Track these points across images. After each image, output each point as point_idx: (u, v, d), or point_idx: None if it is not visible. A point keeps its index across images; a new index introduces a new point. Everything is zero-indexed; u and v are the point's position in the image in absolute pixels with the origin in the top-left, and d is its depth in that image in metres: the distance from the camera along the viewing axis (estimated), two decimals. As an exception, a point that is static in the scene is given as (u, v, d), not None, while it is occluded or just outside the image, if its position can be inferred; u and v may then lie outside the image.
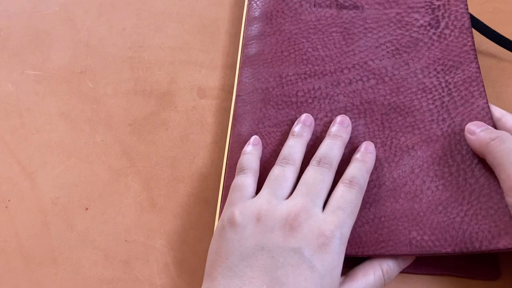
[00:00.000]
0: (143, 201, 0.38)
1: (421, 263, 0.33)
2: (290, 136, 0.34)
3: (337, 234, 0.28)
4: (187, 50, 0.45)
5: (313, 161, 0.32)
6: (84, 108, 0.42)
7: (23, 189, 0.39)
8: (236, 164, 0.35)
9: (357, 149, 0.34)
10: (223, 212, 0.31)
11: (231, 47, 0.44)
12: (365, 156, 0.33)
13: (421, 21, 0.38)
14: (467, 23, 0.37)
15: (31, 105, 0.42)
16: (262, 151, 0.35)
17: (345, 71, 0.37)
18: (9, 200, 0.38)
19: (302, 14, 0.40)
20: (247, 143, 0.35)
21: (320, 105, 0.36)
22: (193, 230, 0.36)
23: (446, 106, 0.34)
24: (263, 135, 0.36)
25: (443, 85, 0.35)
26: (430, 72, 0.36)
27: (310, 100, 0.36)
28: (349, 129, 0.34)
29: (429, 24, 0.38)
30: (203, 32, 0.45)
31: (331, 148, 0.33)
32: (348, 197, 0.30)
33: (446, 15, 0.38)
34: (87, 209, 0.38)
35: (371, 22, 0.38)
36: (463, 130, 0.33)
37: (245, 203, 0.31)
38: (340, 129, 0.34)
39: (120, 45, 0.45)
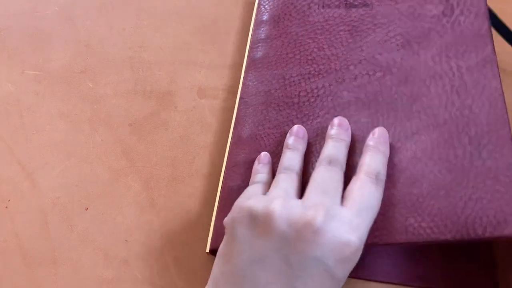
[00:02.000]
0: (143, 201, 0.38)
1: (417, 276, 0.33)
2: (285, 149, 0.33)
3: (362, 242, 0.26)
4: (187, 50, 0.45)
5: (323, 162, 0.30)
6: (84, 108, 0.42)
7: (23, 189, 0.39)
8: (234, 166, 0.35)
9: (371, 134, 0.31)
10: (235, 205, 0.30)
11: (231, 47, 0.44)
12: (382, 145, 0.30)
13: (435, 11, 0.36)
14: (483, 8, 0.35)
15: (31, 105, 0.42)
16: (262, 151, 0.35)
17: (351, 67, 0.36)
18: (9, 200, 0.38)
19: (310, 16, 0.39)
20: (257, 161, 0.34)
21: (322, 103, 0.35)
22: (193, 230, 0.36)
23: (457, 90, 0.32)
24: (262, 137, 0.35)
25: (455, 70, 0.33)
26: (441, 59, 0.34)
27: (312, 99, 0.36)
28: (349, 132, 0.33)
29: (443, 13, 0.36)
30: (203, 32, 0.45)
31: (338, 150, 0.31)
32: (376, 195, 0.28)
33: (461, 1, 0.36)
34: (87, 209, 0.38)
35: (381, 17, 0.37)
36: (473, 112, 0.31)
37: (257, 197, 0.29)
38: (341, 132, 0.32)
39: (120, 45, 0.45)
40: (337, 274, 0.26)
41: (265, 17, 0.41)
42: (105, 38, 0.46)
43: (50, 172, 0.39)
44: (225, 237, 0.29)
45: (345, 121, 0.33)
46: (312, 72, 0.37)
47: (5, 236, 0.37)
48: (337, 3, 0.39)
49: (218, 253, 0.29)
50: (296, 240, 0.26)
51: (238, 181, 0.35)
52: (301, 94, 0.36)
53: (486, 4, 0.36)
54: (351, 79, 0.36)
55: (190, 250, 0.36)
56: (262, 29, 0.41)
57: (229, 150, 0.37)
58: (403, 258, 0.34)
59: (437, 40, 0.35)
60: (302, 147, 0.33)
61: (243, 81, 0.39)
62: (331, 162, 0.30)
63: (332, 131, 0.32)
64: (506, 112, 0.30)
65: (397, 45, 0.36)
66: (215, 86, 0.42)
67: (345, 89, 0.35)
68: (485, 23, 0.35)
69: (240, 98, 0.39)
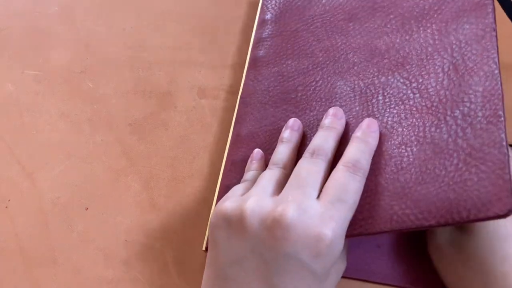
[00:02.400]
0: (143, 201, 0.38)
1: (417, 278, 0.33)
2: (279, 143, 0.33)
3: (337, 234, 0.26)
4: (187, 50, 0.45)
5: (306, 153, 0.30)
6: (84, 108, 0.42)
7: (23, 189, 0.39)
8: (232, 164, 0.35)
9: (359, 126, 0.30)
10: (215, 209, 0.30)
11: (231, 47, 0.44)
12: (368, 136, 0.29)
13: None
14: None
15: (31, 105, 0.42)
16: (258, 148, 0.35)
17: (350, 55, 0.36)
18: (9, 200, 0.38)
19: (311, 9, 0.39)
20: (250, 158, 0.34)
21: (320, 95, 0.35)
22: (193, 230, 0.36)
23: (455, 66, 0.31)
24: (259, 135, 0.36)
25: (454, 45, 0.32)
26: (441, 35, 0.33)
27: (309, 93, 0.36)
28: (343, 121, 0.32)
29: None
30: (203, 32, 0.45)
31: (326, 139, 0.30)
32: (352, 186, 0.27)
33: None
34: (87, 209, 0.38)
35: (381, 1, 0.37)
36: (463, 92, 0.29)
37: (233, 198, 0.29)
38: (334, 121, 0.31)
39: (120, 45, 0.45)
40: (316, 270, 0.25)
41: (267, 16, 0.41)
42: (105, 38, 0.46)
43: (50, 172, 0.39)
44: (209, 242, 0.29)
45: (340, 111, 0.32)
46: (310, 66, 0.37)
47: (5, 236, 0.37)
48: None
49: (206, 258, 0.29)
50: (268, 238, 0.26)
51: (235, 179, 0.35)
52: (299, 88, 0.36)
53: None
54: (349, 67, 0.35)
55: (189, 250, 0.36)
56: (264, 28, 0.41)
57: (228, 149, 0.37)
58: (403, 260, 0.34)
59: (438, 16, 0.34)
60: (296, 139, 0.33)
61: (244, 80, 0.40)
62: (314, 153, 0.29)
63: (326, 120, 0.32)
64: (501, 87, 0.28)
65: (397, 26, 0.35)
66: (215, 86, 0.42)
67: (343, 79, 0.35)
68: None
69: (240, 97, 0.39)
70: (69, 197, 0.38)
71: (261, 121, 0.36)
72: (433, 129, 0.29)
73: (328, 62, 0.36)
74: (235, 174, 0.35)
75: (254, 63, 0.39)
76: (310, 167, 0.28)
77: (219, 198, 0.35)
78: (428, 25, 0.34)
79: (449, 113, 0.29)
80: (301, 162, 0.29)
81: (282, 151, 0.32)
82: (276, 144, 0.34)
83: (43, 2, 0.48)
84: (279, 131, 0.35)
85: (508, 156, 0.26)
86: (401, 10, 0.35)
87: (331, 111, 0.32)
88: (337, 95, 0.34)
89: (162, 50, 0.45)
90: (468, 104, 0.29)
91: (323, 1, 0.39)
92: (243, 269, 0.26)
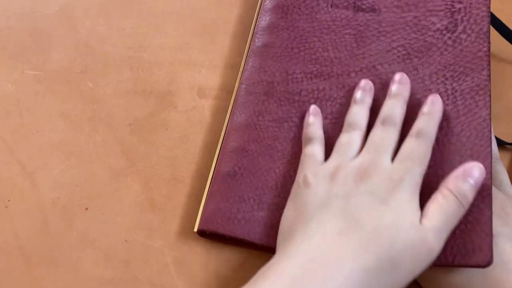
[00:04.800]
0: (143, 201, 0.38)
1: None
2: (352, 103, 0.35)
3: (406, 177, 0.29)
4: (187, 50, 0.45)
5: (378, 122, 0.33)
6: (84, 108, 0.42)
7: (23, 189, 0.39)
8: (230, 151, 0.36)
9: (424, 103, 0.33)
10: (297, 176, 0.33)
11: (231, 47, 0.44)
12: (432, 108, 0.33)
13: (438, 25, 0.37)
14: (486, 27, 0.36)
15: (31, 105, 0.42)
16: (259, 143, 0.35)
17: (352, 74, 0.37)
18: (9, 200, 0.38)
19: (318, 13, 0.39)
20: (307, 114, 0.36)
21: (321, 107, 0.36)
22: (193, 230, 0.36)
23: (448, 115, 0.34)
24: (261, 128, 0.36)
25: (449, 92, 0.35)
26: (438, 78, 0.35)
27: (312, 101, 0.36)
28: (408, 86, 0.35)
29: (446, 28, 0.37)
30: (203, 32, 0.45)
31: (393, 108, 0.33)
32: (416, 149, 0.31)
33: (465, 18, 0.37)
34: (87, 209, 0.38)
35: (386, 25, 0.38)
36: (459, 140, 0.33)
37: (316, 167, 0.32)
38: (400, 87, 0.34)
39: (120, 45, 0.45)
40: (389, 203, 0.28)
41: (272, 5, 0.41)
42: (105, 38, 0.46)
43: (50, 172, 0.39)
44: (290, 198, 0.32)
45: (404, 76, 0.35)
46: (315, 72, 0.37)
47: (5, 236, 0.37)
48: (345, 4, 0.39)
49: (285, 212, 0.32)
50: (351, 185, 0.30)
51: (233, 166, 0.35)
52: (302, 93, 0.37)
53: (489, 24, 0.36)
54: (351, 86, 0.36)
55: (190, 250, 0.36)
56: (269, 17, 0.40)
57: (226, 134, 0.37)
58: None
59: (437, 57, 0.36)
60: (368, 99, 0.35)
61: (244, 66, 0.39)
62: (384, 122, 0.33)
63: (393, 87, 0.35)
64: (490, 144, 0.32)
65: (398, 57, 0.37)
66: (215, 86, 0.42)
67: (344, 96, 0.36)
68: (485, 44, 0.36)
69: (241, 83, 0.39)
70: (69, 197, 0.38)
71: (264, 115, 0.36)
72: (425, 173, 0.31)
73: (331, 74, 0.37)
74: (234, 160, 0.35)
75: (259, 51, 0.39)
76: (383, 135, 0.32)
77: (214, 183, 0.35)
78: (428, 64, 0.36)
79: (440, 162, 0.32)
80: (374, 131, 0.33)
81: (357, 112, 0.34)
82: (278, 143, 0.35)
83: (43, 2, 0.48)
84: (281, 130, 0.36)
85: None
86: (403, 41, 0.37)
87: (397, 76, 0.35)
88: (339, 113, 0.36)
89: (162, 50, 0.45)
90: (458, 158, 0.32)
91: (330, 8, 0.39)
92: (326, 210, 0.29)
